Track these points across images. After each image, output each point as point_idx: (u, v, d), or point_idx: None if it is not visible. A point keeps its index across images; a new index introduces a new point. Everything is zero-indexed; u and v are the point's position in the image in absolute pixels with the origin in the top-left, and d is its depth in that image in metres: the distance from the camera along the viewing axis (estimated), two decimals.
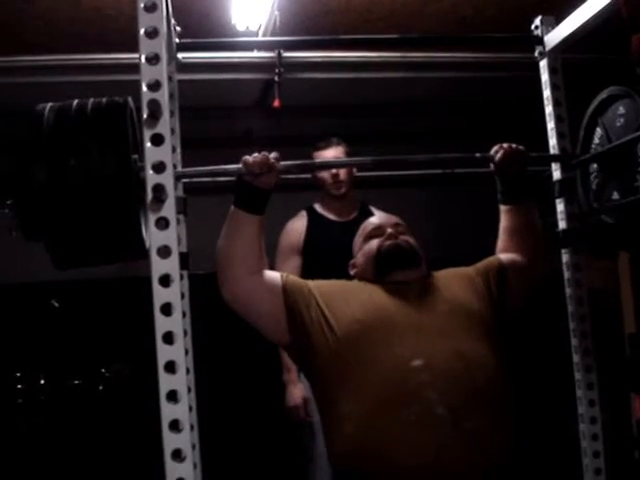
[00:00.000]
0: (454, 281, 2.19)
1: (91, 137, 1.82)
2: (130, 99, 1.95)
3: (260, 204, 2.04)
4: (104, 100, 1.91)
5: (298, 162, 2.24)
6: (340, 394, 1.94)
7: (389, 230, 2.24)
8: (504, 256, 2.24)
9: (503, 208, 2.28)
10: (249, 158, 1.99)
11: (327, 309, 2.05)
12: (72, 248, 1.89)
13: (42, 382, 4.95)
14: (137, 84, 1.66)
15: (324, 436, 2.08)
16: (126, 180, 1.80)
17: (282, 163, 2.05)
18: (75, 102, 1.89)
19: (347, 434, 1.90)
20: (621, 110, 2.11)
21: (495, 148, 2.21)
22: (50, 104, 1.89)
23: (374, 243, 2.24)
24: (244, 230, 2.03)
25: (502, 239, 2.29)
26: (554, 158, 2.42)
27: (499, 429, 1.87)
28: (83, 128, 1.83)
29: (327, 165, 3.33)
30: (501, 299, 2.15)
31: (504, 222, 2.28)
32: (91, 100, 1.90)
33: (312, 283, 2.15)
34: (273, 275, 2.12)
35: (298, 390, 3.27)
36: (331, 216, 3.52)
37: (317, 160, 3.42)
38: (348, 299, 2.10)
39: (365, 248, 2.27)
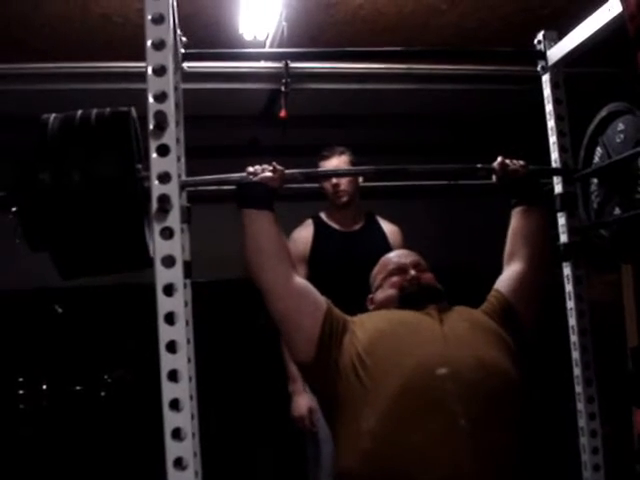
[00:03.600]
0: (470, 310, 2.19)
1: (95, 147, 1.85)
2: (133, 109, 1.97)
3: (265, 198, 2.08)
4: (107, 110, 1.93)
5: (302, 170, 2.26)
6: (360, 407, 1.91)
7: (412, 272, 2.24)
8: (505, 282, 2.23)
9: (514, 212, 2.29)
10: (252, 167, 2.10)
11: (358, 331, 2.05)
12: (77, 258, 1.90)
13: (44, 388, 4.97)
14: (143, 92, 1.68)
15: (337, 453, 2.03)
16: (130, 190, 1.82)
17: (287, 171, 2.12)
18: (79, 112, 1.91)
19: (366, 449, 1.86)
20: (620, 126, 2.13)
21: (497, 162, 2.26)
22: (54, 114, 1.91)
23: (396, 282, 2.24)
24: (258, 227, 2.07)
25: (509, 242, 2.29)
26: (556, 171, 2.44)
27: (516, 442, 1.86)
28: (87, 138, 1.86)
29: (331, 174, 3.34)
30: (515, 334, 2.13)
31: (513, 224, 2.29)
32: (95, 110, 1.92)
33: (352, 317, 2.14)
34: (317, 293, 2.13)
35: (304, 400, 3.26)
36: (336, 225, 3.52)
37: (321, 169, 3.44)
38: (372, 316, 2.15)
39: (386, 287, 2.26)
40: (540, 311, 2.24)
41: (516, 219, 2.28)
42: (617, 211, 2.13)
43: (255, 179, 2.09)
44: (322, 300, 2.11)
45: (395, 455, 1.82)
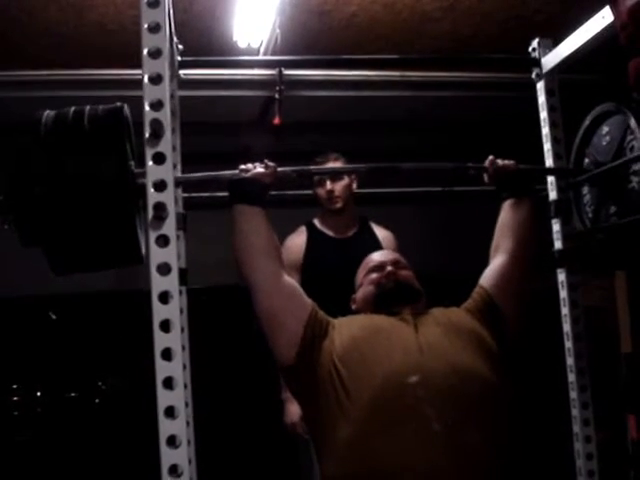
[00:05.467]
0: (449, 311, 2.21)
1: (88, 142, 1.85)
2: (126, 106, 1.97)
3: (257, 194, 2.10)
4: (100, 107, 1.93)
5: (295, 168, 2.27)
6: (336, 415, 1.94)
7: (389, 268, 2.27)
8: (487, 279, 2.25)
9: (503, 204, 2.31)
10: (244, 165, 2.14)
11: (335, 338, 2.06)
12: (69, 253, 1.90)
13: (39, 394, 4.95)
14: (139, 99, 1.68)
15: (318, 460, 2.08)
16: (122, 185, 1.83)
17: (279, 169, 2.15)
18: (72, 108, 1.92)
19: (342, 456, 1.89)
20: (605, 129, 2.16)
21: (488, 160, 2.29)
22: (48, 110, 1.91)
23: (374, 280, 2.28)
24: (249, 223, 2.08)
25: (495, 234, 2.31)
26: (551, 171, 2.45)
27: (493, 444, 1.87)
28: (80, 133, 1.86)
29: (323, 172, 3.34)
30: (498, 331, 2.14)
31: (500, 217, 2.31)
32: (88, 107, 1.92)
33: (334, 320, 2.16)
34: (305, 296, 2.14)
35: (295, 407, 3.25)
36: (329, 232, 3.52)
37: (315, 175, 3.44)
38: (350, 322, 2.15)
39: (365, 284, 2.30)
40: (524, 306, 2.24)
41: (504, 212, 2.31)
42: (613, 216, 2.14)
43: (247, 175, 2.11)
44: (308, 302, 2.12)
45: (371, 461, 1.83)
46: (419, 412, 1.85)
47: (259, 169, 2.12)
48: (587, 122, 2.24)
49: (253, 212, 2.09)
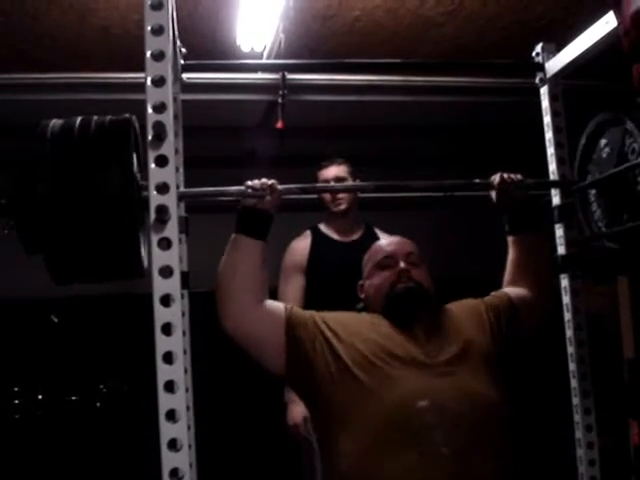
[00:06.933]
0: (463, 318, 2.14)
1: (95, 154, 1.83)
2: (134, 117, 1.96)
3: (263, 228, 2.05)
4: (107, 118, 1.92)
5: (300, 185, 2.24)
6: (341, 430, 1.89)
7: (402, 264, 2.16)
8: (512, 292, 2.21)
9: (510, 239, 2.28)
10: (250, 181, 2.06)
11: (333, 341, 2.01)
12: (71, 264, 1.88)
13: (40, 397, 4.95)
14: (142, 103, 1.68)
15: (322, 471, 2.05)
16: (128, 199, 1.81)
17: (284, 186, 2.10)
18: (79, 119, 1.91)
19: (345, 471, 1.85)
20: (604, 142, 2.15)
21: (494, 177, 2.25)
22: (54, 120, 1.91)
23: (386, 278, 2.16)
24: (248, 256, 2.02)
25: (509, 271, 2.27)
26: (554, 184, 2.44)
27: (503, 470, 1.83)
28: (87, 145, 1.84)
29: (328, 190, 3.35)
30: (510, 336, 2.11)
31: (511, 254, 2.27)
32: (95, 117, 1.91)
33: (318, 315, 2.09)
34: (276, 306, 2.09)
35: (299, 409, 3.25)
36: (335, 236, 3.54)
37: (320, 179, 3.47)
38: (354, 334, 2.04)
39: (375, 280, 2.19)
40: (540, 330, 2.23)
41: (513, 250, 2.27)
42: (626, 222, 2.12)
43: (258, 206, 2.04)
44: (280, 310, 2.06)
45: (374, 478, 1.81)
46: (427, 437, 1.81)
47: (267, 197, 2.04)
48: (584, 140, 2.23)
49: (256, 246, 2.03)
